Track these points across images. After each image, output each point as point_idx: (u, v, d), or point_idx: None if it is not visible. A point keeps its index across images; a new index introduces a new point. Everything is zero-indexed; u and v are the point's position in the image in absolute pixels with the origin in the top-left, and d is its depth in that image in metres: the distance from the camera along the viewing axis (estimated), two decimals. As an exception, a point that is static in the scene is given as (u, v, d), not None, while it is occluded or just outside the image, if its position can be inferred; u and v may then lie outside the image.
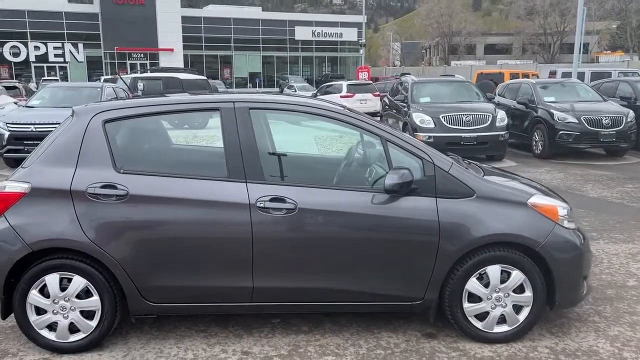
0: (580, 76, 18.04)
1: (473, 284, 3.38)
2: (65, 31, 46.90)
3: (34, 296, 3.27)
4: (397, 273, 3.35)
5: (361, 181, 3.69)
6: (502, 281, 3.38)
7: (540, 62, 55.10)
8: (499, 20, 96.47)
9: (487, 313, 3.42)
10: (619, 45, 59.37)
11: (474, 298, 3.41)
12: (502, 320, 3.44)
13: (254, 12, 58.05)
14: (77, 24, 47.10)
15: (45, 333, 3.33)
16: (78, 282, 3.28)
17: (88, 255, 3.25)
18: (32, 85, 33.49)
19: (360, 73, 33.85)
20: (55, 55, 46.68)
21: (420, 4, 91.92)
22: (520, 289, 3.40)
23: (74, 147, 3.34)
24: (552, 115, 11.08)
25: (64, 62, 47.01)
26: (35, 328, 3.32)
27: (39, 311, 3.31)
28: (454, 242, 3.29)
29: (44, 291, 3.28)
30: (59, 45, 46.79)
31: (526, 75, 22.09)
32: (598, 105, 11.44)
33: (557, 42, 59.35)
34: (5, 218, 3.26)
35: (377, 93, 22.10)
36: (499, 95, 13.94)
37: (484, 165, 4.16)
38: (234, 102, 3.46)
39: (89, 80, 41.93)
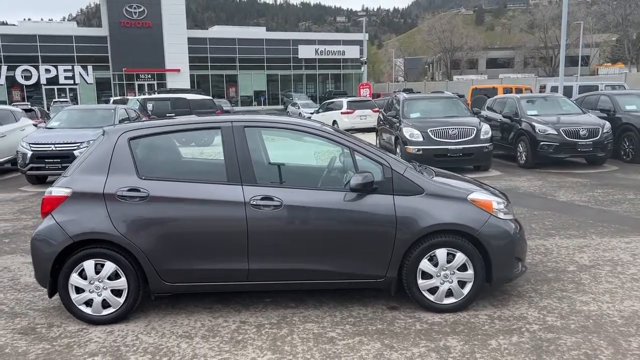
0: (568, 90, 18.90)
1: (425, 264, 4.20)
2: (75, 54, 48.38)
3: (74, 278, 4.13)
4: (363, 256, 4.18)
5: (338, 184, 4.55)
6: (449, 261, 4.20)
7: (542, 75, 56.00)
8: (502, 35, 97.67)
9: (437, 287, 4.24)
10: (619, 58, 60.17)
11: (426, 276, 4.22)
12: (449, 293, 4.25)
13: (258, 32, 59.59)
14: (86, 46, 48.58)
15: (83, 308, 4.18)
16: (109, 267, 4.13)
17: (117, 245, 4.11)
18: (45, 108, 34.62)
19: (361, 90, 34.87)
20: (66, 78, 48.11)
21: (422, 20, 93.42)
22: (463, 268, 4.22)
23: (105, 159, 4.22)
24: (533, 127, 11.91)
25: (74, 84, 48.40)
26: (76, 304, 4.16)
27: (78, 290, 4.15)
28: (408, 230, 4.12)
29: (82, 274, 4.13)
30: (69, 67, 48.23)
31: (519, 90, 22.94)
32: (577, 117, 12.27)
33: (557, 55, 60.25)
34: (52, 216, 4.14)
35: (377, 109, 22.98)
36: (487, 109, 14.81)
37: (438, 169, 5.00)
38: (232, 121, 4.34)
39: (98, 102, 43.25)
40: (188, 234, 4.12)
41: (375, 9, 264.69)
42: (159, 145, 4.58)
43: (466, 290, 4.25)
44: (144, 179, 4.17)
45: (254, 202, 4.09)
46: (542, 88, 22.13)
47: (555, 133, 11.57)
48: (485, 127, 11.83)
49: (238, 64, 54.21)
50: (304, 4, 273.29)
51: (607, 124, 11.91)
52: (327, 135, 4.37)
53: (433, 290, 4.25)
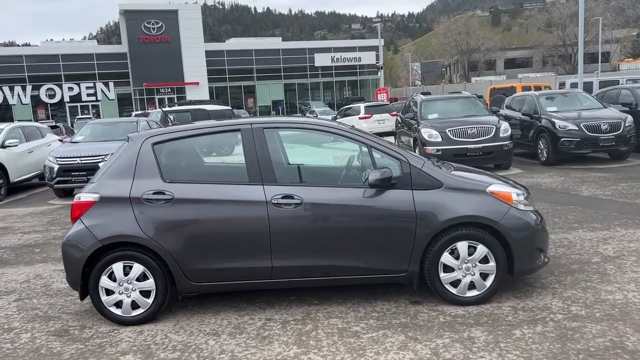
0: (588, 86, 18.68)
1: (447, 257, 4.23)
2: (96, 71, 49.43)
3: (104, 281, 4.25)
4: (384, 251, 4.22)
5: (358, 181, 4.60)
6: (470, 254, 4.22)
7: (562, 73, 55.35)
8: (519, 35, 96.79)
9: (459, 280, 4.26)
10: (640, 53, 59.21)
11: (448, 269, 4.25)
12: (472, 286, 4.27)
13: (275, 43, 60.06)
14: (107, 63, 49.60)
15: (113, 309, 4.30)
16: (137, 269, 4.25)
17: (144, 247, 4.23)
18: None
19: (379, 94, 34.95)
20: (88, 95, 49.15)
21: (437, 24, 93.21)
22: (485, 260, 4.23)
23: (131, 164, 4.35)
24: (553, 124, 11.82)
25: (96, 100, 49.40)
26: (106, 306, 4.29)
27: (108, 292, 4.28)
28: (428, 224, 4.16)
29: (112, 276, 4.26)
30: (91, 84, 49.28)
31: (538, 88, 22.73)
32: (597, 112, 12.13)
33: (577, 53, 59.50)
34: (81, 221, 4.28)
35: (394, 113, 22.99)
36: (506, 107, 14.73)
37: (457, 164, 5.03)
38: (251, 124, 4.45)
39: (120, 116, 44.04)
40: (212, 234, 4.22)
41: (390, 15, 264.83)
42: (182, 149, 4.70)
43: (488, 282, 4.27)
44: (169, 182, 4.29)
45: (275, 201, 4.18)
46: (562, 85, 21.91)
47: (576, 128, 11.46)
48: (505, 125, 11.77)
49: (255, 75, 54.74)
50: (319, 13, 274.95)
51: (629, 118, 11.75)
52: (344, 134, 4.44)
53: (455, 283, 4.27)
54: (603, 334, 3.65)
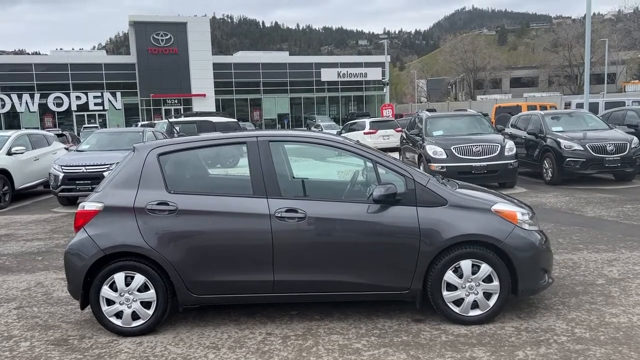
0: (594, 106, 18.68)
1: (450, 276, 4.20)
2: (104, 81, 49.84)
3: (105, 290, 4.23)
4: (387, 267, 4.20)
5: (362, 196, 4.59)
6: (474, 273, 4.19)
7: (567, 93, 55.43)
8: (525, 54, 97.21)
9: (462, 299, 4.22)
10: (647, 75, 59.29)
11: (451, 287, 4.22)
12: (475, 305, 4.23)
13: (282, 57, 60.51)
14: (115, 74, 50.02)
15: (113, 320, 4.27)
16: (139, 279, 4.23)
17: (146, 257, 4.21)
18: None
19: (384, 110, 35.03)
20: (95, 104, 49.49)
21: (444, 42, 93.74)
22: (488, 279, 4.20)
23: (136, 174, 4.36)
24: (559, 144, 11.80)
25: (103, 109, 49.73)
26: (106, 316, 4.26)
27: (109, 302, 4.25)
28: (431, 241, 4.14)
29: (113, 286, 4.24)
30: (99, 94, 49.65)
31: (544, 108, 22.74)
32: (603, 133, 12.12)
33: (583, 74, 59.60)
34: (85, 230, 4.28)
35: (399, 129, 23.01)
36: (512, 126, 14.74)
37: (462, 182, 5.01)
38: (257, 137, 4.45)
39: (126, 126, 44.27)
40: (214, 246, 4.20)
41: (397, 32, 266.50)
42: (187, 160, 4.70)
43: (492, 301, 4.23)
44: (173, 193, 4.29)
45: (279, 214, 4.17)
46: (567, 105, 21.92)
47: (582, 149, 11.44)
48: (510, 143, 11.77)
49: (262, 88, 55.05)
50: (326, 28, 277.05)
51: (635, 139, 11.73)
52: (349, 148, 4.44)
53: (458, 302, 4.23)
54: (607, 358, 3.60)
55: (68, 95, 48.69)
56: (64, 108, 48.71)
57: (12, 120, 47.07)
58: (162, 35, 50.12)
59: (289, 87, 56.01)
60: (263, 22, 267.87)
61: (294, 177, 5.11)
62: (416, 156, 12.88)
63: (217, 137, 4.63)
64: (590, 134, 12.00)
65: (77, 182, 11.18)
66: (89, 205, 4.34)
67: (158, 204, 4.24)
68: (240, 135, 4.59)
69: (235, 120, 22.25)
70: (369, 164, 4.46)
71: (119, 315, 4.27)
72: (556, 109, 23.87)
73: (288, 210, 4.18)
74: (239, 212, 4.21)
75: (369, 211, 4.21)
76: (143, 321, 4.27)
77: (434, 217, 4.17)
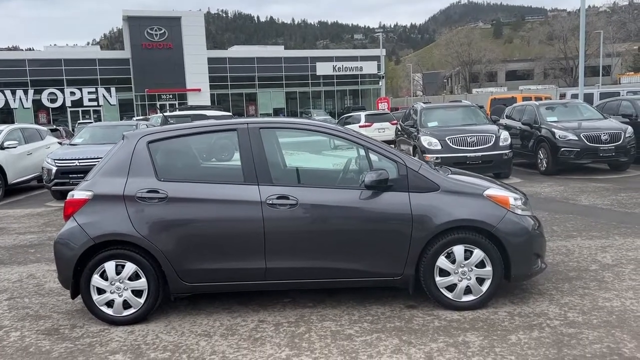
0: (589, 97, 18.69)
1: (442, 261, 4.18)
2: (98, 77, 49.48)
3: (96, 279, 4.20)
4: (380, 253, 4.17)
5: (354, 183, 4.55)
6: (466, 258, 4.17)
7: (563, 85, 55.49)
8: (521, 47, 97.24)
9: (455, 285, 4.21)
10: (641, 66, 59.37)
11: (444, 273, 4.20)
12: (468, 290, 4.22)
13: (277, 51, 60.24)
14: (109, 69, 49.67)
15: (104, 309, 4.24)
16: (130, 268, 4.19)
17: (137, 245, 4.17)
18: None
19: (379, 104, 35.00)
20: (90, 100, 49.14)
21: (439, 35, 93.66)
22: (481, 265, 4.18)
23: (125, 162, 4.31)
24: (553, 134, 11.80)
25: (98, 105, 49.39)
26: (97, 305, 4.23)
27: (100, 291, 4.22)
28: (424, 227, 4.12)
29: (103, 275, 4.20)
30: (93, 90, 49.29)
31: (539, 99, 22.72)
32: (598, 123, 12.11)
33: (578, 66, 59.66)
34: (74, 219, 4.24)
35: (395, 122, 22.97)
36: (506, 117, 14.73)
37: (454, 168, 4.99)
38: (247, 123, 4.42)
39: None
40: (205, 234, 4.17)
41: (392, 26, 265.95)
42: (177, 148, 4.66)
43: (485, 287, 4.21)
44: (163, 181, 4.25)
45: (270, 201, 4.14)
46: (562, 96, 21.91)
47: (576, 139, 11.44)
48: (504, 134, 11.75)
49: (257, 82, 54.83)
50: (322, 22, 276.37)
51: (630, 129, 11.74)
52: (340, 135, 4.41)
53: (451, 287, 4.21)
54: (600, 341, 3.60)
55: (62, 91, 48.35)
56: (58, 104, 48.38)
57: (6, 117, 46.70)
58: (156, 30, 49.79)
59: (284, 82, 55.79)
60: (258, 17, 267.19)
61: (285, 165, 5.07)
62: (411, 148, 12.86)
63: (207, 125, 4.59)
64: (584, 124, 12.00)
65: (71, 175, 11.11)
66: (78, 193, 4.30)
67: (148, 191, 4.20)
68: (231, 122, 4.55)
69: (230, 114, 22.20)
70: (361, 151, 4.43)
71: (110, 304, 4.24)
72: (551, 99, 23.82)
73: (279, 197, 4.14)
74: (230, 200, 4.18)
75: (361, 197, 4.18)
76: (134, 310, 4.24)
77: (426, 203, 4.15)
